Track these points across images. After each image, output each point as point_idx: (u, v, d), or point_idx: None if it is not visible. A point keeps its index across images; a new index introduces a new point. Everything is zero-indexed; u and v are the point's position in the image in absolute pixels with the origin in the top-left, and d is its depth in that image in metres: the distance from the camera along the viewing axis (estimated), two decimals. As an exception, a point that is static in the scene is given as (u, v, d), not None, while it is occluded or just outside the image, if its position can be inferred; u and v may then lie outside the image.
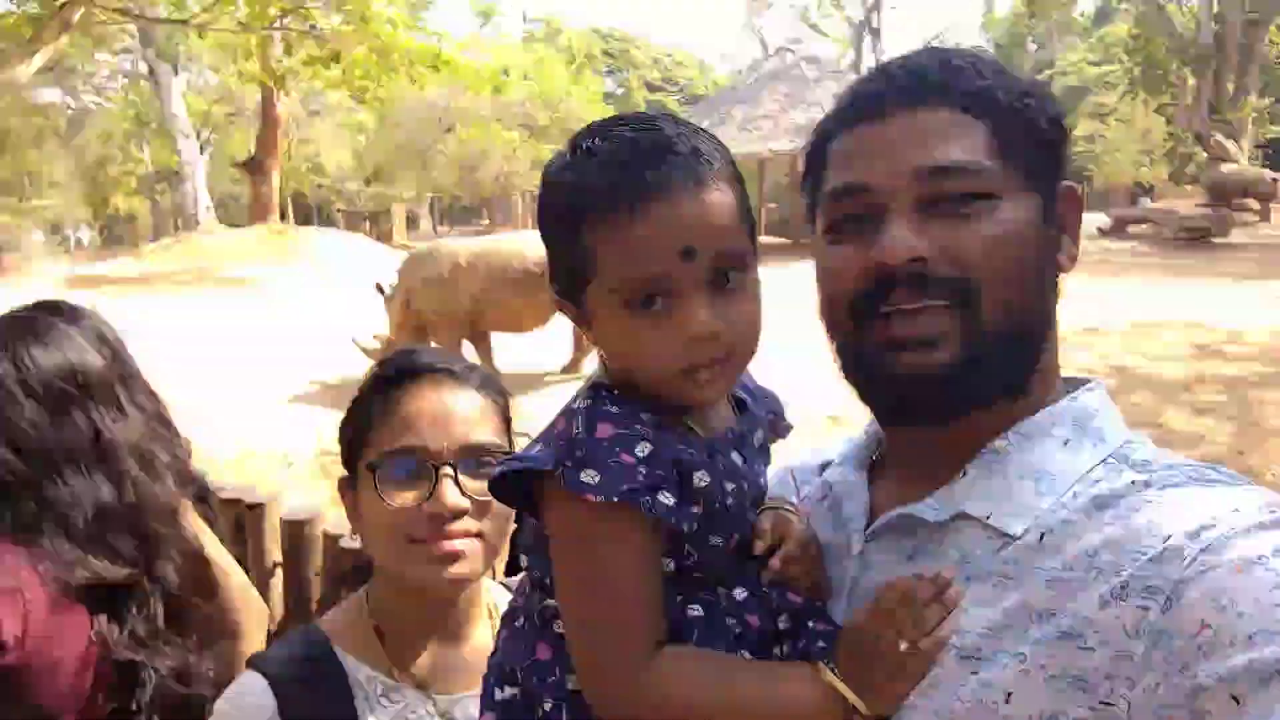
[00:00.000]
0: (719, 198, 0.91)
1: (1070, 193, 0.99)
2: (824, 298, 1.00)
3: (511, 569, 1.06)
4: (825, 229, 1.00)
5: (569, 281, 0.96)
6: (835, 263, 0.98)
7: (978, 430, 0.95)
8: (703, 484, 0.92)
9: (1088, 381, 1.02)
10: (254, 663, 1.29)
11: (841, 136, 0.99)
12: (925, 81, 0.95)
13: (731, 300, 0.92)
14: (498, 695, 1.02)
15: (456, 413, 1.27)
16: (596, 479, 0.87)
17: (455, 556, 1.23)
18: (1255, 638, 0.72)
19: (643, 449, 0.89)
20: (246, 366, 10.60)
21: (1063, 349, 1.02)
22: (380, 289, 10.31)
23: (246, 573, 2.73)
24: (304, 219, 34.27)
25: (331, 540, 2.56)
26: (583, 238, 0.92)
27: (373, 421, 1.28)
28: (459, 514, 1.23)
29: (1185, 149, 27.28)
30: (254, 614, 1.84)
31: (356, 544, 2.41)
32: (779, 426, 1.09)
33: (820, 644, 0.94)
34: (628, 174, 0.89)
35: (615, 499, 0.87)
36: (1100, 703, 0.78)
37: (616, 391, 0.94)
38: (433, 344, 10.18)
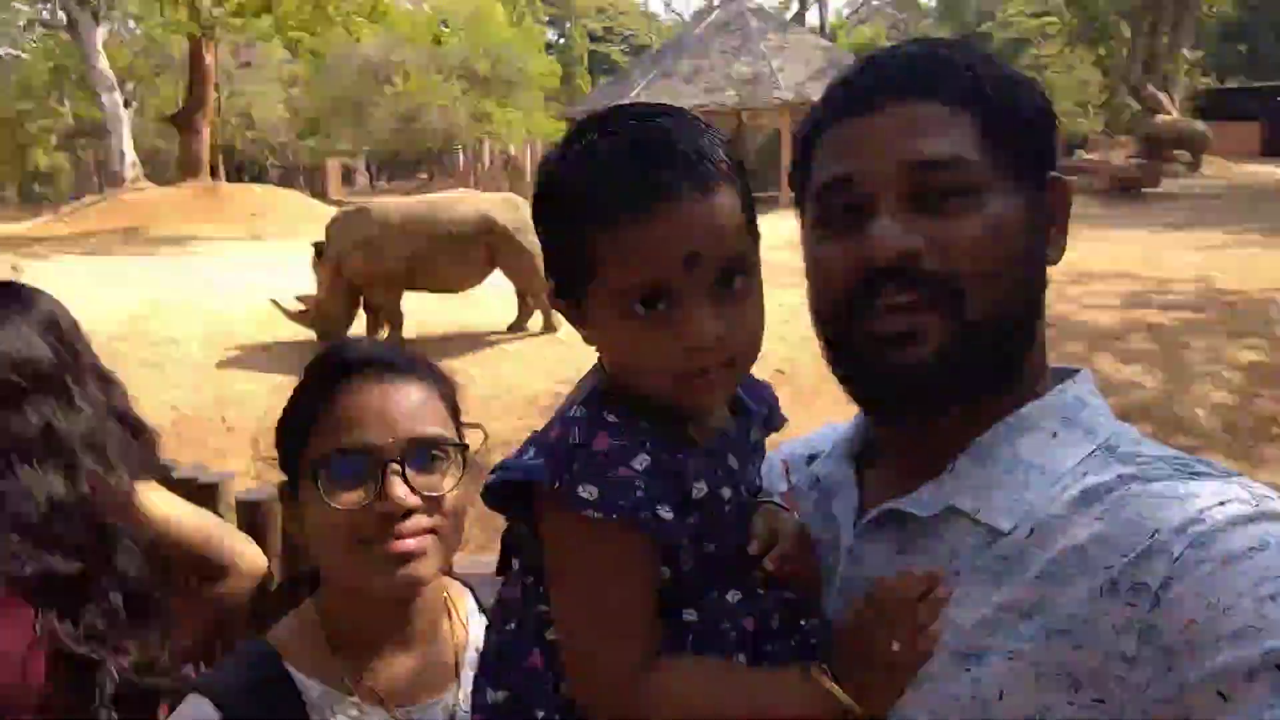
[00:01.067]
0: (724, 201, 0.90)
1: (1059, 184, 0.99)
2: (813, 293, 1.00)
3: (501, 568, 1.04)
4: (814, 222, 1.00)
5: (567, 282, 0.94)
6: (824, 258, 0.98)
7: (966, 424, 0.96)
8: (700, 494, 0.92)
9: (1076, 372, 1.02)
10: (200, 686, 1.22)
11: (829, 129, 0.99)
12: (913, 74, 0.95)
13: (735, 305, 0.90)
14: (489, 698, 1.00)
15: (401, 406, 1.20)
16: (595, 494, 0.86)
17: (409, 556, 1.16)
18: (1240, 634, 0.73)
19: (641, 461, 0.88)
20: (179, 329, 10.33)
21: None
22: (318, 250, 10.08)
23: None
24: (235, 175, 33.27)
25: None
26: (582, 240, 0.90)
27: (311, 421, 1.21)
28: (410, 512, 1.17)
29: (1121, 100, 27.72)
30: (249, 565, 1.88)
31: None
32: (773, 420, 1.08)
33: (812, 640, 0.95)
34: (630, 176, 0.87)
35: (614, 516, 0.86)
36: (1092, 699, 0.79)
37: (615, 397, 0.92)
38: (367, 304, 10.02)
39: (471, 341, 9.95)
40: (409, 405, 1.21)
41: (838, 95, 1.00)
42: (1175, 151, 22.68)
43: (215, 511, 2.69)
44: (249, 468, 7.83)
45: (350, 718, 1.21)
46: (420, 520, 1.18)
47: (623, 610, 0.90)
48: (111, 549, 1.58)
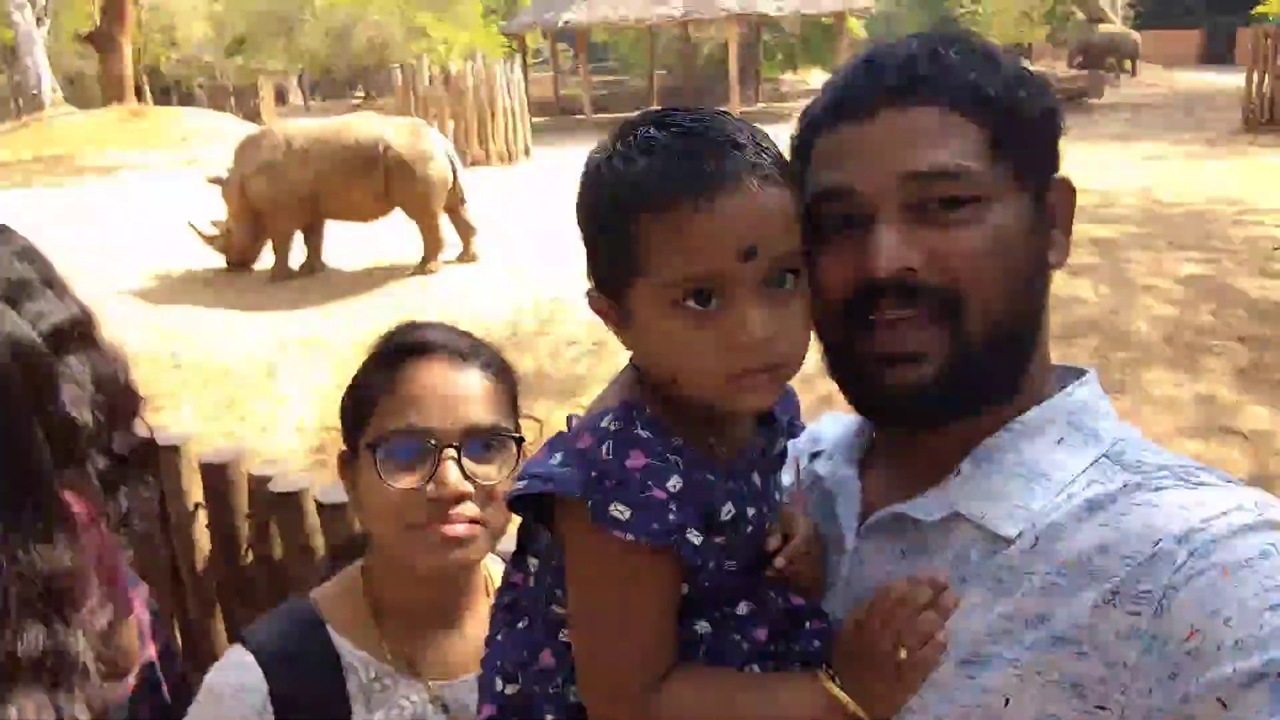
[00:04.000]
0: (781, 195, 0.88)
1: (1063, 185, 0.98)
2: (813, 301, 0.98)
3: (516, 561, 1.04)
4: (812, 229, 0.97)
5: (611, 278, 0.91)
6: (822, 267, 0.96)
7: (972, 427, 0.96)
8: (728, 517, 0.91)
9: (1082, 373, 1.02)
10: (244, 638, 1.25)
11: (827, 134, 0.96)
12: (913, 78, 0.92)
13: (786, 305, 0.88)
14: (499, 687, 1.01)
15: (461, 393, 1.23)
16: (627, 514, 0.85)
17: (457, 542, 1.19)
18: (1242, 644, 0.74)
19: (674, 484, 0.86)
20: (116, 262, 9.99)
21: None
22: (211, 180, 9.83)
23: (165, 512, 2.61)
24: (163, 97, 31.83)
25: (259, 483, 2.46)
26: (633, 231, 0.87)
27: (375, 399, 1.23)
28: (461, 497, 1.19)
29: (1064, 8, 27.65)
30: None
31: (287, 489, 2.36)
32: (793, 428, 1.07)
33: (816, 643, 0.95)
34: (689, 164, 0.85)
35: (645, 538, 0.85)
36: (1095, 707, 0.80)
37: (647, 409, 0.90)
38: (269, 232, 9.67)
39: (383, 274, 9.72)
40: (470, 393, 1.24)
41: (834, 98, 0.97)
42: (1111, 60, 22.87)
43: (175, 472, 2.62)
44: (200, 408, 7.70)
45: (384, 684, 1.24)
46: (470, 508, 1.20)
47: (643, 628, 0.90)
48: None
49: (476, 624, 1.32)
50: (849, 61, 0.99)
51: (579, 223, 0.95)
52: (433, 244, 9.67)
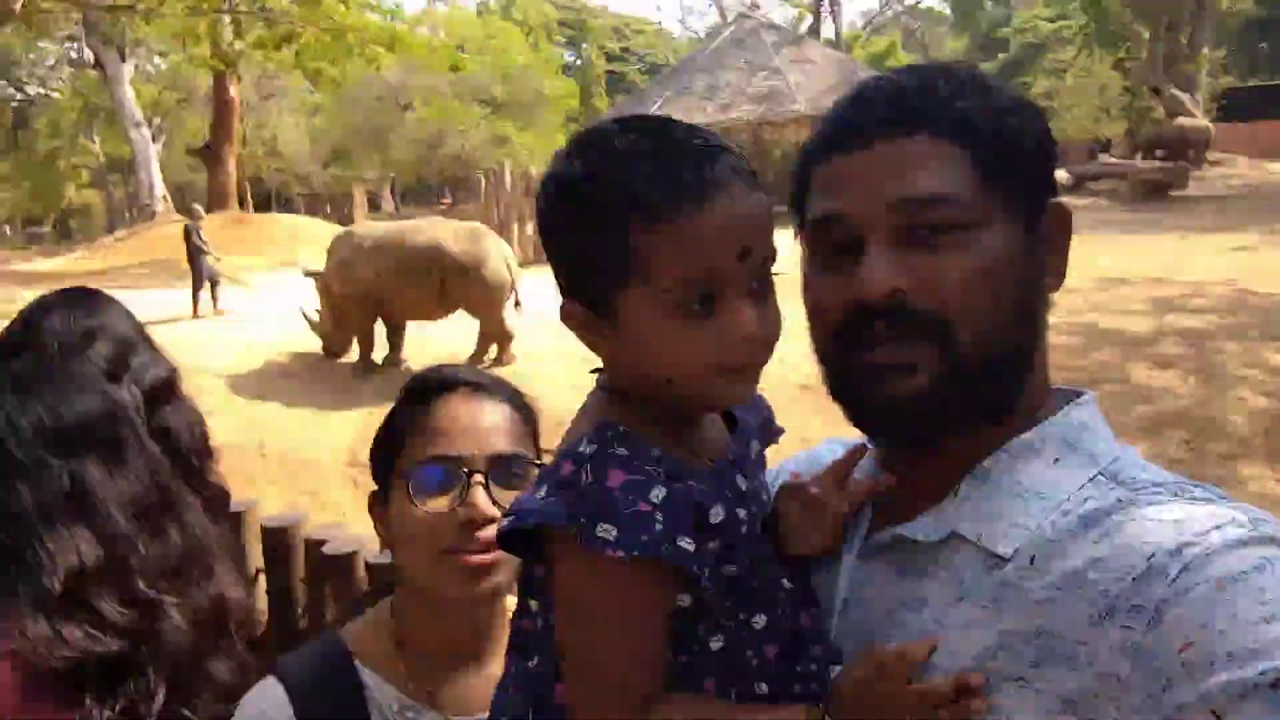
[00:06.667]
0: (763, 199, 0.92)
1: (1058, 210, 0.99)
2: (810, 324, 1.02)
3: (522, 609, 1.04)
4: (808, 255, 1.02)
5: (596, 288, 0.92)
6: (818, 292, 0.99)
7: (969, 448, 0.96)
8: (718, 519, 0.91)
9: (1080, 395, 1.02)
10: (275, 669, 1.30)
11: (822, 165, 1.00)
12: (904, 108, 0.95)
13: (767, 301, 0.92)
14: None
15: (488, 423, 1.30)
16: (614, 533, 0.85)
17: (487, 569, 1.24)
18: (1236, 655, 0.74)
19: (657, 494, 0.86)
20: (211, 358, 10.47)
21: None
22: (307, 273, 10.62)
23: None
24: (263, 204, 33.75)
25: (314, 547, 2.54)
26: (629, 239, 0.87)
27: (405, 433, 1.30)
28: (490, 521, 1.24)
29: (1141, 103, 27.48)
30: None
31: (339, 550, 2.42)
32: (770, 431, 1.07)
33: (814, 667, 0.95)
34: (683, 172, 0.87)
35: (635, 553, 0.85)
36: None
37: (623, 426, 0.91)
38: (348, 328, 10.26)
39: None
40: (495, 423, 1.31)
41: (829, 131, 1.00)
42: (1190, 152, 22.53)
43: (239, 540, 2.72)
44: (284, 496, 7.91)
45: (408, 718, 1.27)
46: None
47: (634, 649, 0.89)
48: (155, 620, 1.40)
49: (498, 661, 1.32)
50: (845, 95, 1.03)
51: (551, 236, 0.95)
52: (502, 338, 10.12)
